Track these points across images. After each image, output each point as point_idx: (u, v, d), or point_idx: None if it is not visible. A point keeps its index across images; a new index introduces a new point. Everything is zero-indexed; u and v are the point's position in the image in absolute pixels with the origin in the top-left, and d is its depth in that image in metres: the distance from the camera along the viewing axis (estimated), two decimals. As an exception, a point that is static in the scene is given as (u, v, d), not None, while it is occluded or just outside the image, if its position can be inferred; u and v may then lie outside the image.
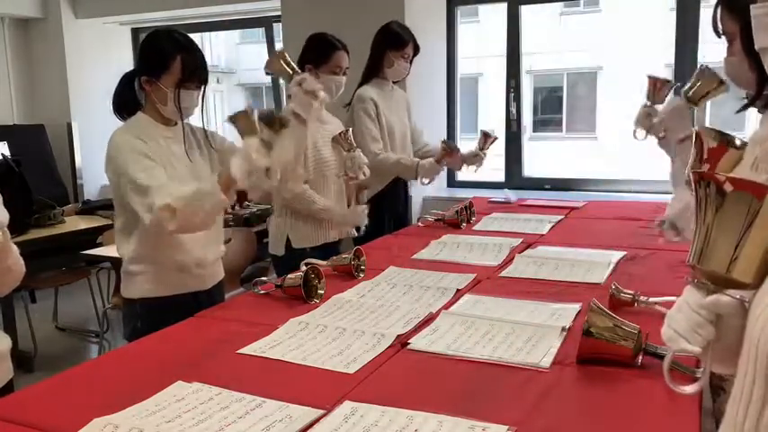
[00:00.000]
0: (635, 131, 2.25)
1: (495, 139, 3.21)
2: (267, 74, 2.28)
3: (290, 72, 2.18)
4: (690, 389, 0.94)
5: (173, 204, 1.74)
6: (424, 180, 3.11)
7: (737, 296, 0.81)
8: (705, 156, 1.29)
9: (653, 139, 2.22)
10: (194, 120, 2.05)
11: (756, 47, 0.90)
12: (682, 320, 0.84)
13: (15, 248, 1.44)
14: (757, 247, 0.76)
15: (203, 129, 2.10)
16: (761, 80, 1.11)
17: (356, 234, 2.76)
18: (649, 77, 2.29)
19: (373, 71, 3.13)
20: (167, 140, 1.97)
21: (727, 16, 1.14)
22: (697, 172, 0.82)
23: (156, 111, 1.96)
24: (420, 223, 2.91)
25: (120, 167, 1.86)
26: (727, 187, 0.77)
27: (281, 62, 2.19)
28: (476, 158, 3.17)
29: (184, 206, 1.75)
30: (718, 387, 1.38)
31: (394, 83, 3.21)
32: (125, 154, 1.85)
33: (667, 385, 0.94)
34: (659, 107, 2.23)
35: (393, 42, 3.08)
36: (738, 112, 1.45)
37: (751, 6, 0.91)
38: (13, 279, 1.47)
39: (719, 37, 1.18)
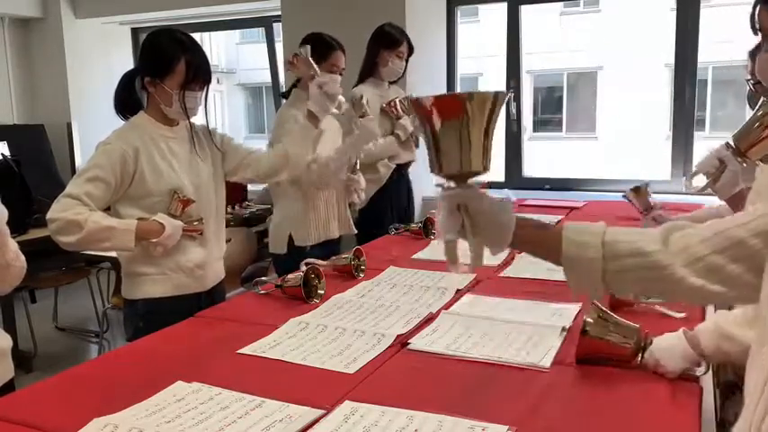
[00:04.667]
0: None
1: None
2: (288, 69, 2.41)
3: (313, 73, 2.30)
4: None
5: (83, 224, 1.77)
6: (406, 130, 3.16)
7: (469, 185, 0.99)
8: None
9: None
10: (197, 119, 2.05)
11: None
12: (440, 216, 1.00)
13: (15, 244, 1.44)
14: (478, 143, 0.97)
15: (206, 127, 2.11)
16: None
17: (359, 201, 2.84)
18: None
19: (368, 71, 3.17)
20: (168, 140, 1.97)
21: (765, 12, 1.14)
22: (413, 101, 0.98)
23: (158, 111, 1.96)
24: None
25: (88, 162, 1.87)
26: (434, 111, 0.96)
27: (307, 61, 2.34)
28: (418, 128, 3.20)
29: (91, 233, 1.78)
30: (734, 385, 1.38)
31: (390, 83, 3.23)
32: (103, 160, 1.86)
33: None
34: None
35: (387, 42, 3.12)
36: None
37: None
38: (15, 276, 1.47)
39: (756, 34, 1.18)
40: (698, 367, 1.28)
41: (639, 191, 2.57)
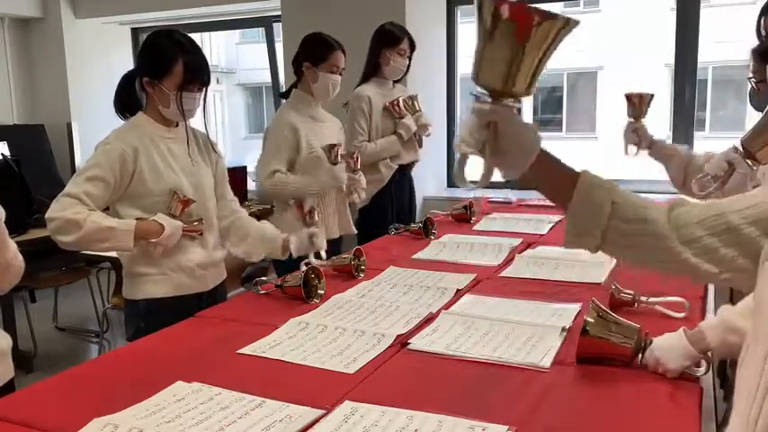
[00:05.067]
0: (626, 147, 2.29)
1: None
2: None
3: (308, 221, 2.34)
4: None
5: (82, 223, 1.76)
6: (408, 129, 3.16)
7: (507, 104, 0.93)
8: None
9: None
10: (195, 121, 2.05)
11: None
12: (463, 126, 0.94)
13: (13, 244, 1.44)
14: (528, 65, 0.89)
15: (207, 136, 2.11)
16: None
17: (359, 201, 2.84)
18: (627, 96, 2.35)
19: (372, 71, 3.16)
20: (167, 141, 1.97)
21: None
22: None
23: (157, 111, 1.96)
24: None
25: (88, 162, 1.87)
26: (503, 13, 0.86)
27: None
28: (423, 128, 3.24)
29: (90, 232, 1.78)
30: (731, 365, 1.39)
31: (395, 82, 3.23)
32: (102, 159, 1.86)
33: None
34: (644, 121, 2.27)
35: (387, 40, 3.11)
36: None
37: None
38: (13, 275, 1.47)
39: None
40: (698, 367, 1.28)
41: (642, 98, 2.34)
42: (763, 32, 1.37)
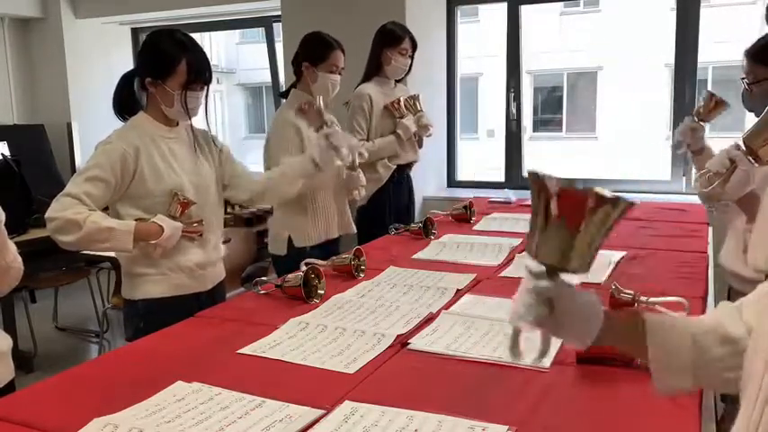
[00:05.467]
0: (677, 142, 2.25)
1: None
2: (297, 115, 2.45)
3: (322, 123, 2.29)
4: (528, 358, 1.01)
5: (82, 223, 1.77)
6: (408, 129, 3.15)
7: (564, 282, 0.92)
8: None
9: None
10: (197, 120, 2.05)
11: None
12: (520, 301, 0.92)
13: (13, 246, 1.44)
14: (586, 244, 0.89)
15: (207, 132, 2.11)
16: None
17: (359, 198, 2.83)
18: (709, 93, 2.33)
19: (373, 70, 3.16)
20: (168, 141, 1.97)
21: None
22: (532, 176, 0.90)
23: (158, 111, 1.96)
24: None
25: (88, 162, 1.87)
26: (559, 198, 0.88)
27: (319, 111, 2.33)
28: (423, 129, 3.24)
29: (90, 233, 1.78)
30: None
31: (396, 81, 3.23)
32: (102, 159, 1.86)
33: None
34: (705, 125, 2.25)
35: (389, 39, 3.11)
36: None
37: None
38: (13, 277, 1.48)
39: None
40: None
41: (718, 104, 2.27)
42: None
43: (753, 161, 1.75)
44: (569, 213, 0.88)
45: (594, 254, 0.91)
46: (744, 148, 1.76)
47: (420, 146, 3.32)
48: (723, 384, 0.94)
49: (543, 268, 0.91)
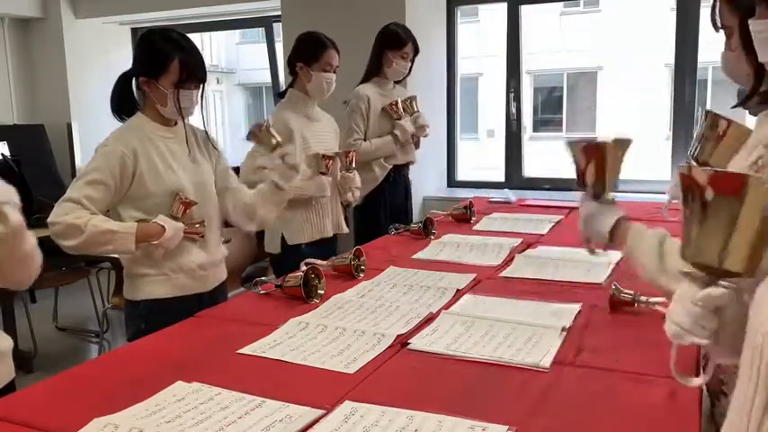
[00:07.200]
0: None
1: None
2: (248, 140, 2.33)
3: (274, 144, 2.20)
4: (697, 381, 0.96)
5: (84, 227, 1.77)
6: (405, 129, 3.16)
7: (732, 285, 0.83)
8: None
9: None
10: (194, 119, 2.05)
11: (760, 59, 0.94)
12: (683, 314, 0.85)
13: (33, 238, 1.42)
14: (745, 237, 0.79)
15: (204, 130, 2.11)
16: (756, 79, 1.11)
17: (353, 199, 2.83)
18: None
19: (373, 70, 3.18)
20: (167, 141, 1.97)
21: (727, 10, 1.14)
22: (681, 171, 0.84)
23: (155, 111, 1.96)
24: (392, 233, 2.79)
25: (87, 166, 1.87)
26: (709, 187, 0.79)
27: (267, 133, 2.22)
28: (420, 129, 3.25)
29: (91, 236, 1.78)
30: (719, 392, 1.38)
31: (395, 83, 3.24)
32: (101, 163, 1.86)
33: (667, 385, 0.94)
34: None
35: (392, 42, 3.12)
36: (734, 107, 1.44)
37: (750, 21, 0.92)
38: (34, 268, 1.45)
39: (717, 31, 1.18)
40: (696, 378, 1.28)
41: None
42: (719, 22, 1.37)
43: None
44: (726, 204, 0.79)
45: (757, 248, 0.80)
46: (694, 164, 1.73)
47: (417, 146, 3.33)
48: None
49: (703, 274, 0.83)
